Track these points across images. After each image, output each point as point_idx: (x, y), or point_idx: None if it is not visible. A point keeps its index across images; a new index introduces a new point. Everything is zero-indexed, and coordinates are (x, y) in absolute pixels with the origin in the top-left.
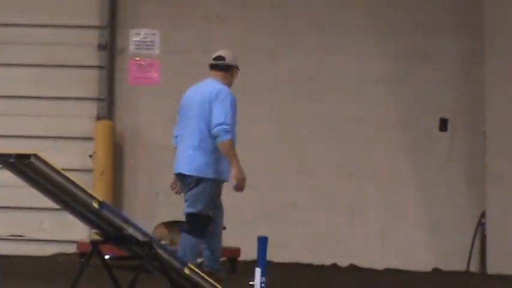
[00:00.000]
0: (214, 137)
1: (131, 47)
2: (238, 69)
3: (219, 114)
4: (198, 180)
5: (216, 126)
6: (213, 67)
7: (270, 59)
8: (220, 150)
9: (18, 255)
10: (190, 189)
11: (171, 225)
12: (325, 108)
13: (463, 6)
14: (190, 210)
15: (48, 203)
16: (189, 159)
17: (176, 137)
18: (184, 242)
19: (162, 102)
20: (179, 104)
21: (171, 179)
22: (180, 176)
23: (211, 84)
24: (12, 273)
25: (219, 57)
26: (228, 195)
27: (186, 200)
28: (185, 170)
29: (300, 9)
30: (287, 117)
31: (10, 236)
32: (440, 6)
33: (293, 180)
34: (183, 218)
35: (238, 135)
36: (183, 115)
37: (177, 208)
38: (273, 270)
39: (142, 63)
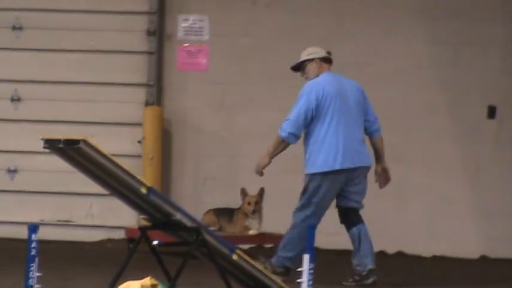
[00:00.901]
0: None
1: (180, 33)
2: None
3: (373, 111)
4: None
5: (376, 120)
6: (329, 61)
7: (317, 43)
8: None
9: (66, 240)
10: (360, 182)
11: (220, 212)
12: (372, 93)
13: None
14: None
15: (97, 188)
16: (364, 151)
17: (295, 135)
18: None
19: (210, 88)
20: (228, 90)
21: (218, 164)
22: (349, 171)
23: (350, 81)
24: (60, 258)
25: (330, 53)
26: (275, 181)
27: (357, 193)
28: (367, 162)
29: None
30: None
31: (58, 221)
32: None
33: None
34: (231, 205)
35: None
36: (331, 108)
37: (224, 195)
38: (320, 257)
39: (191, 49)
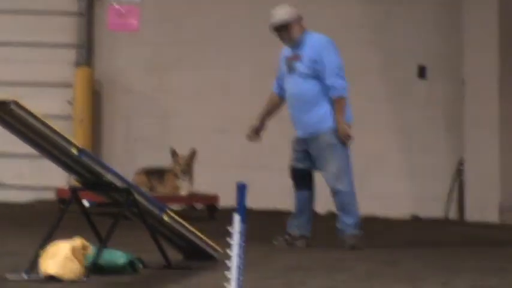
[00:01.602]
0: None
1: None
2: None
3: None
4: None
5: None
6: None
7: (248, 4)
8: None
9: None
10: None
11: (151, 172)
12: None
13: None
14: None
15: (28, 149)
16: None
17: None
18: None
19: (141, 49)
20: (159, 51)
21: (148, 124)
22: None
23: None
24: None
25: None
26: (206, 141)
27: None
28: None
29: None
30: (263, 62)
31: None
32: None
33: (272, 126)
34: (161, 165)
35: (220, 83)
36: None
37: (155, 155)
38: (252, 218)
39: (122, 9)
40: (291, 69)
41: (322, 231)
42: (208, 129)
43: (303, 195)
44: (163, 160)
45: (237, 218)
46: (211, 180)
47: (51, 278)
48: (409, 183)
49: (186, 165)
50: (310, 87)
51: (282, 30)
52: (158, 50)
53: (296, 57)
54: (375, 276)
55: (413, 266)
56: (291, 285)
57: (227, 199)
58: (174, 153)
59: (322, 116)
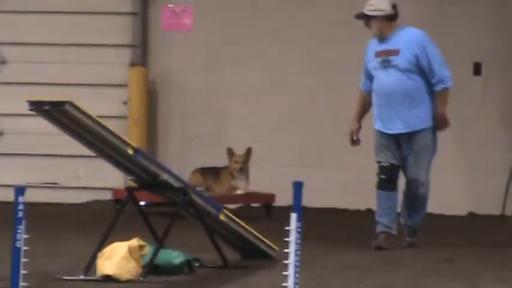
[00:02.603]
0: None
1: None
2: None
3: None
4: None
5: None
6: None
7: (302, 2)
8: None
9: (53, 202)
10: None
11: (206, 171)
12: (358, 52)
13: None
14: None
15: (84, 150)
16: None
17: None
18: None
19: (195, 48)
20: (213, 50)
21: (204, 124)
22: None
23: None
24: (47, 220)
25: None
26: (262, 140)
27: None
28: None
29: None
30: (319, 60)
31: (45, 183)
32: None
33: (327, 125)
34: (218, 164)
35: (276, 81)
36: None
37: (210, 155)
38: (308, 216)
39: (176, 9)
40: (385, 63)
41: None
42: (264, 128)
43: (394, 195)
44: (219, 159)
45: (293, 216)
46: (268, 179)
47: (108, 278)
48: (466, 180)
49: (243, 164)
50: (413, 82)
51: (371, 21)
52: (212, 49)
53: (392, 52)
54: (431, 274)
55: (470, 264)
56: (348, 283)
57: (283, 197)
58: (230, 152)
59: (425, 112)
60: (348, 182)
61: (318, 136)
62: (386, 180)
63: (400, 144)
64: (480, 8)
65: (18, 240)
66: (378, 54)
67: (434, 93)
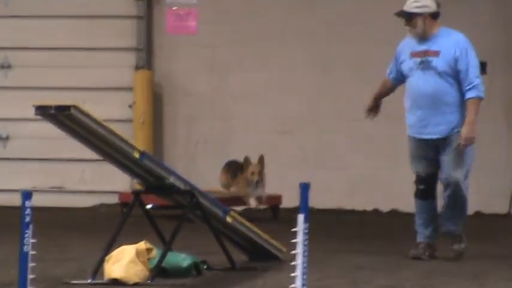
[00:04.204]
0: None
1: None
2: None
3: None
4: None
5: None
6: None
7: (305, 3)
8: None
9: (59, 206)
10: None
11: (231, 167)
12: (363, 52)
13: None
14: None
15: (89, 154)
16: None
17: None
18: None
19: (200, 51)
20: (218, 52)
21: (210, 127)
22: None
23: None
24: (54, 225)
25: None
26: (267, 142)
27: None
28: None
29: None
30: (323, 61)
31: (51, 187)
32: None
33: (333, 126)
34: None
35: (281, 83)
36: None
37: (217, 157)
38: (315, 217)
39: (180, 12)
40: (423, 64)
41: (386, 229)
42: (270, 129)
43: (433, 205)
44: (225, 161)
45: (300, 217)
46: (274, 181)
47: (116, 282)
48: (472, 180)
49: (259, 175)
50: (449, 86)
51: (416, 19)
52: (217, 51)
53: (432, 53)
54: (438, 274)
55: (477, 263)
56: (355, 284)
57: (290, 199)
58: (247, 161)
59: (459, 117)
60: (354, 182)
61: (324, 137)
62: (424, 190)
63: (437, 149)
64: (484, 7)
65: (26, 244)
66: (417, 54)
67: (465, 100)
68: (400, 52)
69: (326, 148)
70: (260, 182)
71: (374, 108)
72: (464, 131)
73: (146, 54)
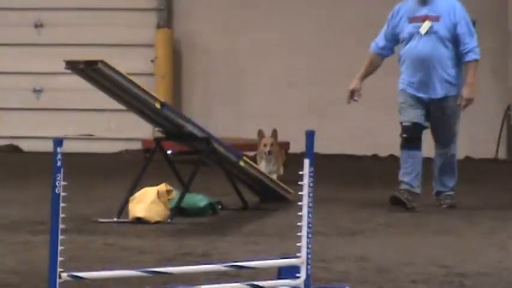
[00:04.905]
0: None
1: None
2: None
3: None
4: None
5: None
6: None
7: None
8: None
9: (88, 152)
10: None
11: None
12: (364, 13)
13: None
14: None
15: (115, 104)
16: None
17: None
18: None
19: (216, 12)
20: (232, 13)
21: (225, 81)
22: None
23: None
24: (83, 169)
25: None
26: (277, 95)
27: None
28: None
29: None
30: (328, 23)
31: (81, 135)
32: None
33: (334, 79)
34: (238, 121)
35: (286, 40)
36: None
37: (231, 107)
38: (319, 162)
39: None
40: (424, 29)
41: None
42: (278, 83)
43: (419, 155)
44: (239, 113)
45: (306, 162)
46: (283, 129)
47: (139, 221)
48: (463, 128)
49: (271, 147)
50: (448, 50)
51: None
52: (231, 12)
53: (433, 18)
54: (434, 213)
55: (468, 203)
56: (357, 222)
57: (297, 145)
58: (260, 134)
59: (455, 79)
60: (355, 130)
61: (328, 90)
62: (410, 139)
63: (428, 108)
64: None
65: (57, 187)
66: (417, 19)
67: (464, 64)
68: (397, 16)
69: (329, 100)
70: (273, 155)
71: (358, 89)
72: (465, 92)
73: (167, 15)
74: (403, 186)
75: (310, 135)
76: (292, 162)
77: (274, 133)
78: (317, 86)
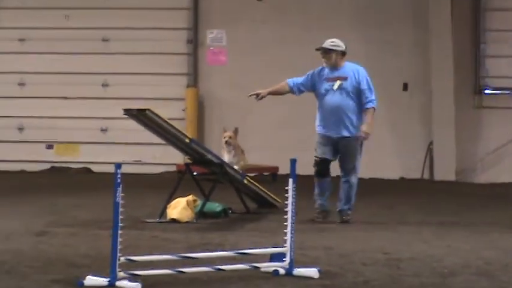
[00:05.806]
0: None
1: (208, 41)
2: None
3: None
4: None
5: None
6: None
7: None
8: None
9: (139, 173)
10: None
11: None
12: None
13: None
14: None
15: (158, 140)
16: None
17: None
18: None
19: (228, 76)
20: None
21: (234, 123)
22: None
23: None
24: (135, 185)
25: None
26: (272, 132)
27: None
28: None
29: None
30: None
31: (134, 161)
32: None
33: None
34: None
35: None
36: None
37: (240, 143)
38: (300, 180)
39: (215, 50)
40: (336, 86)
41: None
42: (270, 128)
43: (328, 181)
44: (244, 146)
45: (290, 181)
46: (274, 157)
47: (174, 221)
48: (398, 157)
49: (229, 138)
50: (352, 101)
51: (331, 53)
52: (239, 75)
53: (342, 78)
54: (377, 217)
55: (403, 209)
56: (325, 221)
57: (285, 168)
58: (224, 130)
59: (356, 123)
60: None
61: (305, 130)
62: (321, 170)
63: (337, 146)
64: (408, 47)
65: (117, 197)
66: (331, 79)
67: (364, 110)
68: (318, 76)
69: (306, 137)
70: (231, 147)
71: (262, 97)
72: (365, 128)
73: (194, 77)
74: (319, 207)
75: (293, 162)
76: (281, 181)
77: (236, 130)
78: (298, 128)
